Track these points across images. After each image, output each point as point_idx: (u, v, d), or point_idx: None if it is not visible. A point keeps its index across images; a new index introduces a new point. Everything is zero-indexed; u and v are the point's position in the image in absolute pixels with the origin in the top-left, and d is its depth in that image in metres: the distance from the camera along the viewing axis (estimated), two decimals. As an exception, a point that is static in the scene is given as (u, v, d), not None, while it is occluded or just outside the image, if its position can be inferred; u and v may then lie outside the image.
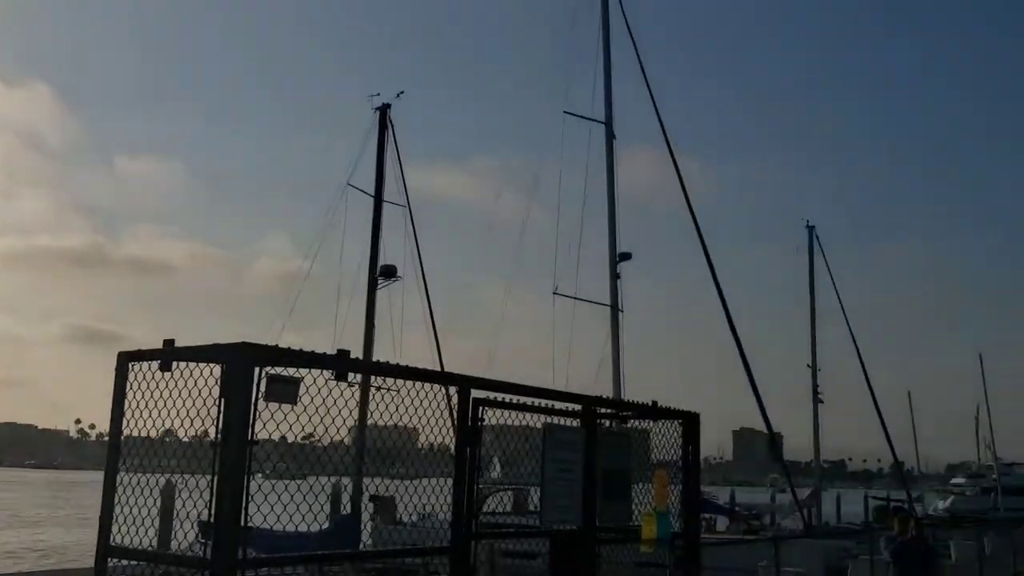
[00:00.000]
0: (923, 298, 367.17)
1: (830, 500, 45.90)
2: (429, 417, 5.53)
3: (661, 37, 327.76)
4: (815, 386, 35.14)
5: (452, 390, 5.57)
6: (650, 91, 23.77)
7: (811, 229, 36.08)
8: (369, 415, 6.28)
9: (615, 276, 22.64)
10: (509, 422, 6.43)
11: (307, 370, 4.73)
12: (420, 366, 5.45)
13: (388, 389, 5.45)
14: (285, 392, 4.58)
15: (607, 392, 20.49)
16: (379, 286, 22.55)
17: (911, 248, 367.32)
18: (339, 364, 4.74)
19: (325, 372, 4.79)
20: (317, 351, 4.69)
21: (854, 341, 35.38)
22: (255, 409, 4.37)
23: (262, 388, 4.44)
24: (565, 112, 23.47)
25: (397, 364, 5.12)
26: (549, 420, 6.51)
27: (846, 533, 27.72)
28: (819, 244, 35.76)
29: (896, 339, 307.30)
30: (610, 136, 23.50)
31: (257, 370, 4.40)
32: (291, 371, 4.67)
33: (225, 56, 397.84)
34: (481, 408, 5.72)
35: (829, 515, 40.50)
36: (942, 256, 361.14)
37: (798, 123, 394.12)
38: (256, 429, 4.39)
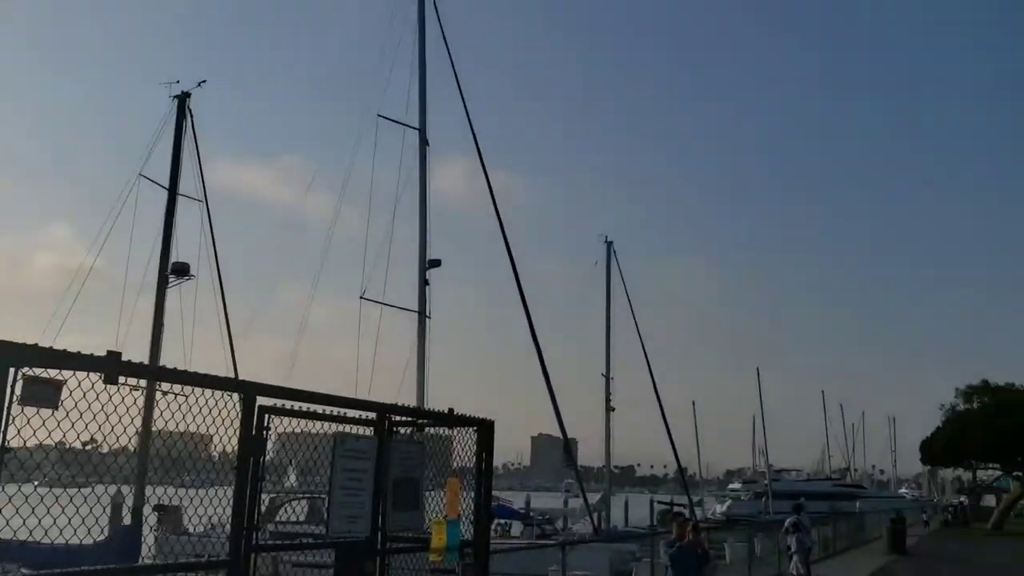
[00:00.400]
0: (710, 313, 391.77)
1: (619, 504, 47.94)
2: (220, 424, 5.26)
3: (485, 50, 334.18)
4: (608, 394, 36.70)
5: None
6: (463, 100, 24.06)
7: (609, 244, 37.77)
8: (154, 421, 5.86)
9: (424, 282, 22.63)
10: (308, 429, 6.25)
11: (73, 372, 4.35)
12: (212, 370, 5.16)
13: (176, 394, 5.14)
14: (44, 395, 4.20)
15: (411, 399, 20.43)
16: (170, 284, 21.43)
17: (698, 264, 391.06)
18: (108, 366, 4.39)
19: (93, 375, 4.42)
20: (84, 352, 4.32)
21: (644, 352, 37.32)
22: (8, 413, 3.99)
23: (18, 391, 4.06)
24: (379, 116, 23.27)
25: (175, 368, 4.82)
26: (342, 428, 6.37)
27: (632, 537, 28.97)
28: (616, 258, 37.47)
29: (685, 351, 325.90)
30: (423, 143, 23.50)
31: (12, 371, 4.02)
32: (55, 373, 4.29)
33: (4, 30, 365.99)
34: (267, 416, 5.50)
35: (618, 519, 42.21)
36: (724, 274, 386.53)
37: (605, 136, 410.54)
38: (10, 435, 4.04)
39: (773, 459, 72.99)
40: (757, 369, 65.94)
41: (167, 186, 22.40)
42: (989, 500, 68.19)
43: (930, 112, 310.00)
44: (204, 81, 23.43)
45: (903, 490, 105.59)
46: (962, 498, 74.09)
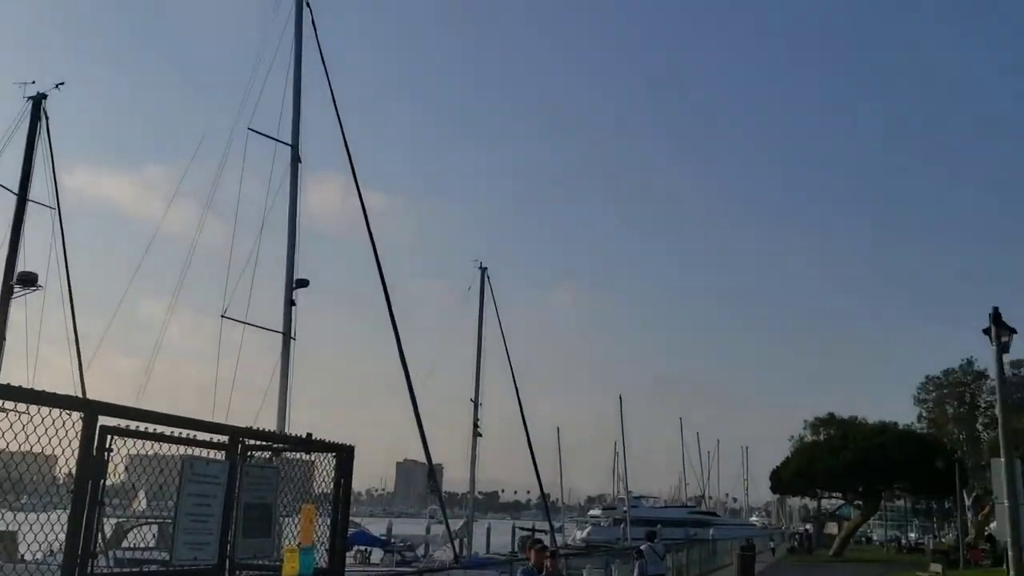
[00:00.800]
0: (578, 340, 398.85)
1: (482, 531, 47.89)
2: (59, 444, 4.99)
3: (370, 72, 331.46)
4: (476, 420, 36.75)
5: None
6: (339, 118, 23.68)
7: (483, 270, 37.93)
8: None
9: (290, 302, 22.11)
10: (161, 452, 6.01)
11: None
12: (60, 388, 4.90)
13: (14, 412, 4.84)
14: None
15: (272, 423, 19.85)
16: (15, 295, 20.22)
17: (568, 291, 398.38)
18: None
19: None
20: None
21: (514, 378, 37.58)
22: None
23: None
24: (250, 129, 22.66)
25: (8, 384, 4.56)
26: (193, 451, 6.17)
27: (492, 563, 29.00)
28: (490, 284, 37.66)
29: (552, 377, 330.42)
30: (295, 159, 23.02)
31: None
32: None
33: None
34: (110, 437, 5.27)
35: (479, 545, 42.14)
36: (593, 301, 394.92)
37: (488, 161, 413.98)
38: None
39: (633, 486, 74.76)
40: (619, 396, 67.47)
41: (16, 191, 21.20)
42: (832, 528, 71.86)
43: (727, 170, 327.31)
44: (62, 83, 22.33)
45: (754, 518, 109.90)
46: (807, 526, 77.81)
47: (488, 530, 50.26)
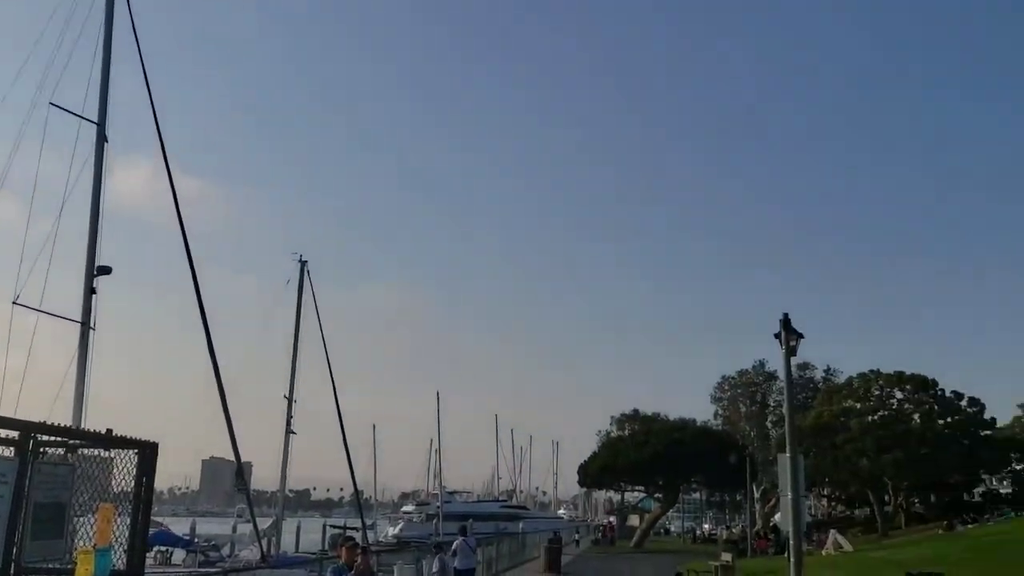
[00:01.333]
0: (396, 336, 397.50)
1: (292, 529, 46.89)
2: None
3: (191, 56, 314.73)
4: (289, 417, 35.84)
5: None
6: (151, 97, 22.44)
7: (303, 263, 37.01)
8: None
9: (90, 290, 20.75)
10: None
11: None
12: None
13: None
14: None
15: (68, 418, 18.56)
16: None
17: (390, 288, 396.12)
18: None
19: None
20: None
21: (331, 376, 36.91)
22: None
23: None
24: (51, 103, 21.05)
25: None
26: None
27: (301, 562, 28.50)
28: (309, 278, 36.77)
29: (370, 374, 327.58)
30: (102, 138, 21.62)
31: None
32: None
33: None
34: None
35: (289, 544, 41.27)
36: (418, 297, 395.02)
37: (301, 155, 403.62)
38: None
39: (448, 482, 75.44)
40: (437, 393, 67.85)
41: None
42: (634, 520, 75.32)
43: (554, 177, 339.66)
44: None
45: (561, 511, 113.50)
46: (611, 518, 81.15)
47: (298, 529, 49.36)
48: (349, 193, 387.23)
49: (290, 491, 44.40)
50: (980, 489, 64.33)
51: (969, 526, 49.52)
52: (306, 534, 50.25)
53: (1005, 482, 64.98)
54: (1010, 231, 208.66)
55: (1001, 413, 76.41)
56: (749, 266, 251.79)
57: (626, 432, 75.87)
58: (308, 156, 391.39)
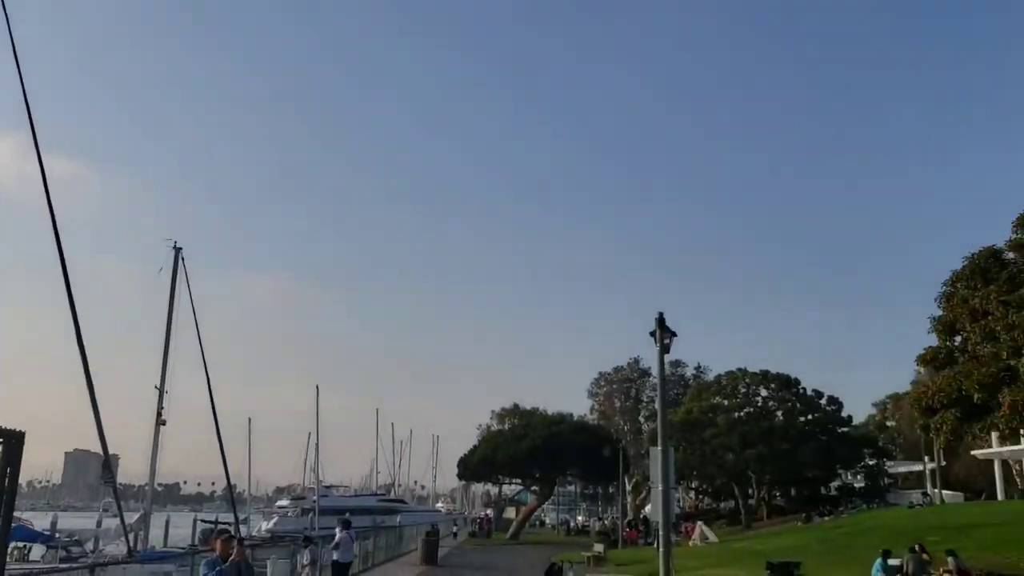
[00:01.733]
0: (278, 330, 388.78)
1: (161, 523, 45.44)
2: None
3: (69, 32, 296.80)
4: (160, 408, 34.65)
5: None
6: (18, 68, 21.36)
7: (178, 251, 35.76)
8: None
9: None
10: None
11: None
12: None
13: None
14: None
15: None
16: None
17: (274, 279, 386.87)
18: None
19: None
20: None
21: (205, 366, 35.90)
22: None
23: None
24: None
25: None
26: None
27: (170, 556, 27.76)
28: (184, 266, 35.56)
29: (249, 366, 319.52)
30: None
31: None
32: None
33: None
34: None
35: (157, 539, 40.02)
36: (302, 291, 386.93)
37: (179, 139, 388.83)
38: None
39: (327, 476, 74.36)
40: (317, 387, 66.75)
41: None
42: (511, 512, 76.19)
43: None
44: None
45: (439, 504, 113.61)
46: (488, 511, 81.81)
47: (167, 523, 47.93)
48: (228, 184, 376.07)
49: (159, 484, 42.93)
50: (836, 483, 67.90)
51: (825, 518, 52.30)
52: (175, 528, 48.80)
53: (859, 476, 68.88)
54: (877, 240, 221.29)
55: (857, 412, 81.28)
56: (625, 266, 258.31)
57: (506, 426, 76.59)
58: (186, 144, 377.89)
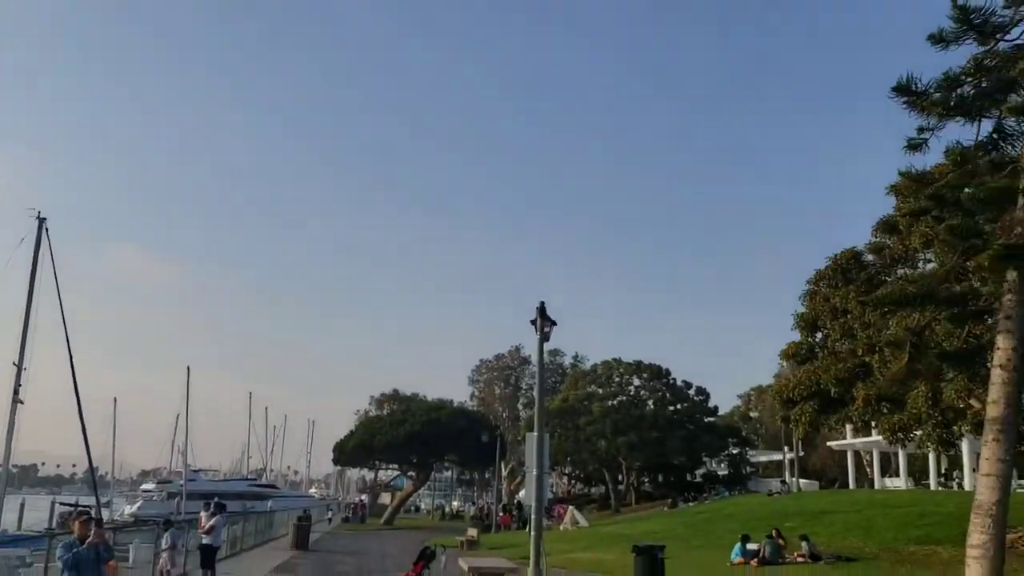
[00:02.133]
0: (150, 308, 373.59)
1: (15, 507, 43.30)
2: None
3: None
4: (17, 385, 32.93)
5: None
6: None
7: (42, 221, 33.93)
8: None
9: None
10: None
11: None
12: None
13: None
14: None
15: None
16: None
17: (144, 260, 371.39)
18: None
19: None
20: None
21: (68, 343, 34.34)
22: None
23: None
24: None
25: None
26: None
27: (24, 540, 26.57)
28: (48, 238, 33.75)
29: (117, 344, 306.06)
30: None
31: None
32: None
33: None
34: None
35: (10, 523, 38.20)
36: (165, 273, 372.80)
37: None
38: None
39: (196, 460, 72.21)
40: (188, 368, 64.72)
41: None
42: (386, 498, 75.92)
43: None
44: None
45: (313, 490, 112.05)
46: (362, 496, 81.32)
47: (21, 506, 45.71)
48: (105, 154, 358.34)
49: (14, 466, 40.80)
50: (701, 471, 70.62)
51: (690, 504, 54.35)
52: (31, 511, 46.59)
53: (723, 464, 71.82)
54: (750, 238, 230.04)
55: (723, 403, 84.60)
56: (507, 252, 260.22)
57: (385, 412, 76.20)
58: (59, 113, 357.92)
